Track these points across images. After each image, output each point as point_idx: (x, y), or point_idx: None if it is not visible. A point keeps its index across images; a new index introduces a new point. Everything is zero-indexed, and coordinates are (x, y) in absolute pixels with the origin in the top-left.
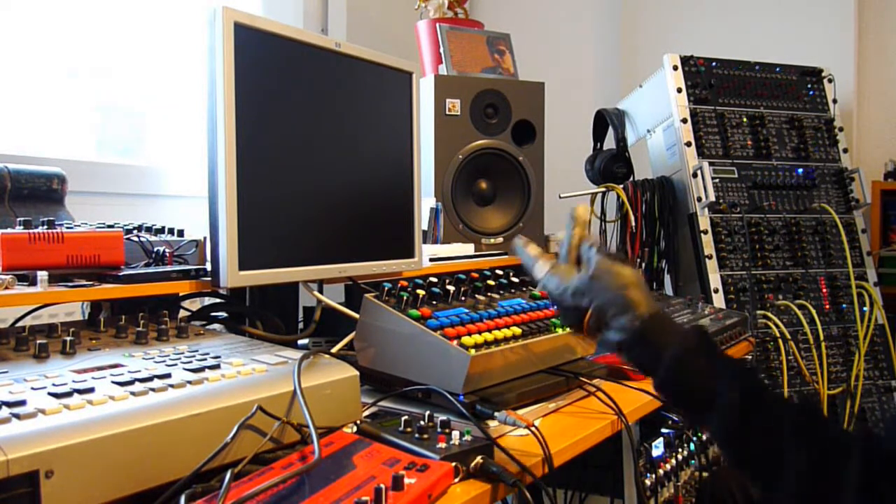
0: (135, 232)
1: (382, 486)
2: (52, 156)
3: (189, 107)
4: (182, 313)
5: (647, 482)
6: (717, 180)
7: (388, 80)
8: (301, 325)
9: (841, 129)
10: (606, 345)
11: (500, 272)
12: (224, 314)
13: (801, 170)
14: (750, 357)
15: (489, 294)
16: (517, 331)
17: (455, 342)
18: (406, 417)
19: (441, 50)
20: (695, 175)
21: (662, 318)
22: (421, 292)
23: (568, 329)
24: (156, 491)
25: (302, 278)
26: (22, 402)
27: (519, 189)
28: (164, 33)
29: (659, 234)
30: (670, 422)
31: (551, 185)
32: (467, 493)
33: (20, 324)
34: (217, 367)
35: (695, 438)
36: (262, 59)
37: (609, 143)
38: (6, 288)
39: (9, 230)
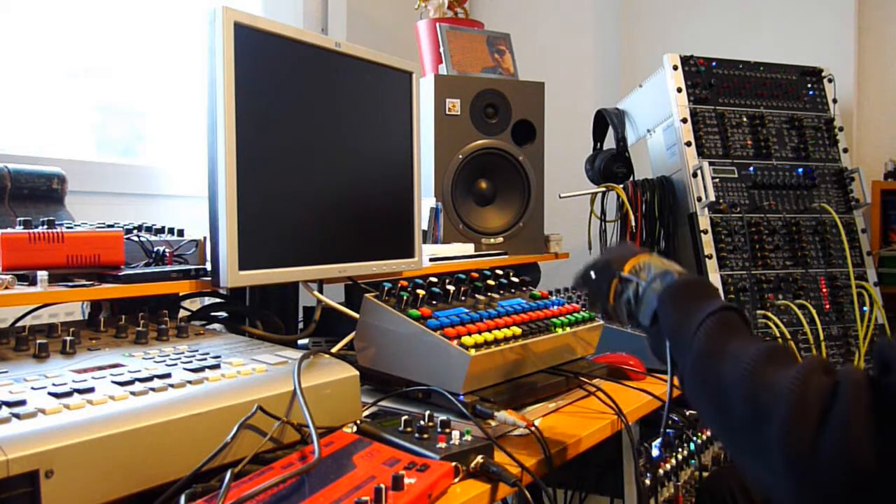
0: (135, 232)
1: (382, 485)
2: (52, 156)
3: (189, 107)
4: (182, 313)
5: (647, 482)
6: (717, 180)
7: (388, 80)
8: (301, 325)
9: (841, 129)
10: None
11: (500, 272)
12: (224, 314)
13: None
14: None
15: (489, 294)
16: (517, 331)
17: (455, 342)
18: (406, 417)
19: (441, 50)
20: (695, 175)
21: None
22: (421, 292)
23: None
24: (156, 491)
25: (302, 278)
26: (22, 402)
27: (519, 189)
28: (164, 33)
29: (659, 234)
30: (671, 421)
31: (551, 185)
32: (467, 493)
33: (20, 324)
34: (217, 366)
35: (695, 438)
36: (262, 59)
37: (609, 142)
38: (6, 288)
39: (9, 230)
